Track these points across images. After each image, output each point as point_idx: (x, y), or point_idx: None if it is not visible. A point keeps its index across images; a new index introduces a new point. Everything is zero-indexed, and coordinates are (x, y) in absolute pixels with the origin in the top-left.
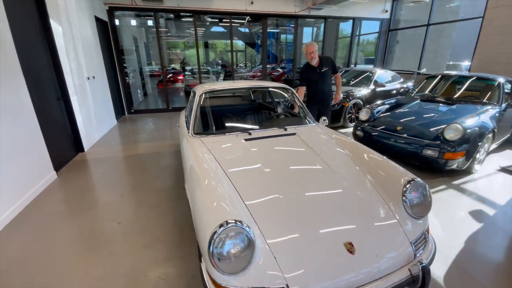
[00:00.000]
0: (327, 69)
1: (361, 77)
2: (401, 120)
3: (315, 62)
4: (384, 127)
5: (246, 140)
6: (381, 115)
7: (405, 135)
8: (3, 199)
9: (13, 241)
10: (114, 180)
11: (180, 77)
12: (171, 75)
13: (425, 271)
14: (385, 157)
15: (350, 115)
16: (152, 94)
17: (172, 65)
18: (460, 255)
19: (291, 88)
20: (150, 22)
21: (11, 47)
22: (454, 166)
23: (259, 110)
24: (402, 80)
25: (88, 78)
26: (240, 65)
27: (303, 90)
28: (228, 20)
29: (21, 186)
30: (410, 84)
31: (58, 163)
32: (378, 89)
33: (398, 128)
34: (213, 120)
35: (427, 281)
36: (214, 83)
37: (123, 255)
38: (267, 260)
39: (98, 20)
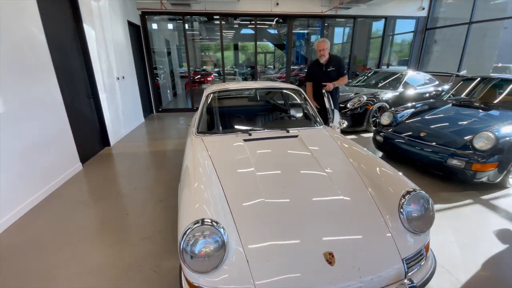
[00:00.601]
0: (334, 69)
1: (390, 79)
2: (427, 126)
3: (324, 59)
4: (406, 132)
5: (245, 140)
6: (405, 119)
7: (429, 142)
8: (31, 186)
9: (34, 223)
10: (132, 173)
11: (210, 78)
12: (199, 76)
13: None
14: (390, 166)
15: (374, 119)
16: (181, 94)
17: (204, 67)
18: (474, 280)
19: (300, 89)
20: (180, 26)
21: (44, 49)
22: (484, 179)
23: (268, 111)
24: (437, 82)
25: (118, 78)
26: (269, 66)
27: (310, 86)
28: (259, 22)
29: (48, 175)
30: (446, 87)
31: (85, 156)
32: (408, 92)
33: (422, 134)
34: (219, 120)
35: None
36: (223, 84)
37: (125, 245)
38: (239, 264)
39: (130, 24)
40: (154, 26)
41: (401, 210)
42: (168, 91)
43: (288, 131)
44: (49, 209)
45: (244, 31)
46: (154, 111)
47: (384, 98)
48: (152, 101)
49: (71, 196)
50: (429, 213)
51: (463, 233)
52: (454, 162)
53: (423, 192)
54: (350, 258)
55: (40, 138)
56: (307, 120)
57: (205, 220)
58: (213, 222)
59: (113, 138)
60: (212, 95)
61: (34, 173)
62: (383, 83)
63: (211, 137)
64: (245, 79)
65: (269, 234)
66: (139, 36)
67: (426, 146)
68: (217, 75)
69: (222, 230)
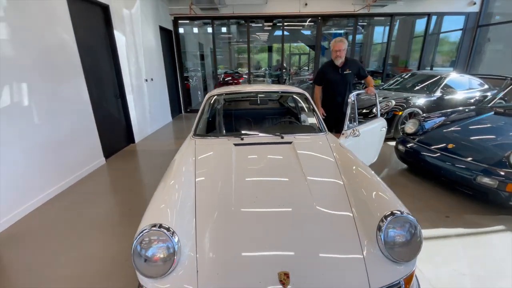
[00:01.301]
0: (350, 72)
1: (427, 82)
2: (457, 136)
3: (339, 62)
4: (432, 142)
5: (236, 145)
6: (434, 128)
7: (457, 155)
8: (57, 175)
9: (53, 208)
10: (149, 170)
11: (241, 80)
12: (230, 78)
13: None
14: (386, 185)
15: (403, 126)
16: None
17: (239, 69)
18: None
19: (305, 93)
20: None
21: (75, 54)
22: None
23: (271, 115)
24: (487, 87)
25: (146, 80)
26: (304, 68)
27: (319, 90)
28: (289, 23)
29: (73, 167)
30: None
31: (109, 151)
32: (447, 96)
33: (450, 146)
34: (219, 123)
35: None
36: (225, 87)
37: (120, 239)
38: (188, 273)
39: (162, 29)
40: (189, 30)
41: (379, 232)
42: (199, 93)
43: (282, 137)
44: (70, 197)
45: (277, 32)
46: (182, 111)
47: (416, 104)
48: (181, 101)
49: (90, 188)
50: (415, 241)
51: (482, 264)
52: (485, 180)
53: (411, 216)
54: (307, 282)
55: (67, 134)
56: (309, 127)
57: (163, 225)
58: (169, 229)
59: (138, 136)
60: (212, 98)
61: (60, 165)
62: (418, 87)
63: (204, 140)
64: (277, 82)
65: (227, 245)
66: (171, 40)
67: (453, 160)
68: (246, 76)
69: (176, 238)
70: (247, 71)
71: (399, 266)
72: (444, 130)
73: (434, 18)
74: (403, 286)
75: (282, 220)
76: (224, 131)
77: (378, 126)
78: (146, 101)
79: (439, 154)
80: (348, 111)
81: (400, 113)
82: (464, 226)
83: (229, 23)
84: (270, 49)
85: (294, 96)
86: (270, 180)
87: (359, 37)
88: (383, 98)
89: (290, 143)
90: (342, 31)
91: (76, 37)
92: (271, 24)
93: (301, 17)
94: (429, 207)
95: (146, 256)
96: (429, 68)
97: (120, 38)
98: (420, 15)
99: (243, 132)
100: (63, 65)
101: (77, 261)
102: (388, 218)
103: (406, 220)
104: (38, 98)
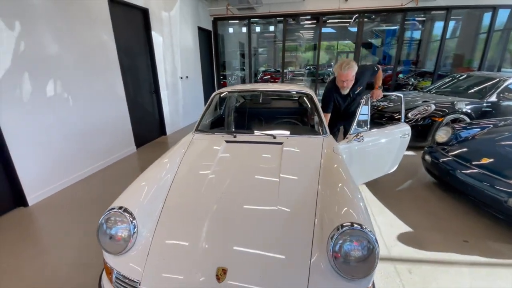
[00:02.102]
0: (362, 87)
1: (483, 85)
2: (497, 150)
3: (347, 91)
4: (464, 155)
5: (227, 142)
6: (470, 138)
7: (490, 171)
8: (93, 157)
9: (86, 185)
10: None
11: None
12: (269, 76)
13: None
14: (362, 198)
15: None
16: None
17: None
18: None
19: (310, 94)
20: (257, 29)
21: (113, 53)
22: None
23: (276, 115)
24: None
25: (181, 78)
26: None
27: (328, 117)
28: (333, 21)
29: (105, 152)
30: None
31: (140, 141)
32: (505, 103)
33: (484, 160)
34: (221, 120)
35: None
36: (233, 86)
37: None
38: (141, 255)
39: (201, 29)
40: (229, 30)
41: (331, 241)
42: None
43: (274, 138)
44: (100, 177)
45: (325, 30)
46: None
47: (463, 109)
48: None
49: (119, 171)
50: (370, 259)
51: None
52: None
53: (371, 234)
54: (242, 281)
55: (102, 123)
56: (310, 128)
57: (128, 209)
58: (132, 214)
59: (170, 129)
60: (218, 96)
61: (95, 149)
62: (471, 90)
63: (201, 135)
64: (320, 80)
65: (181, 234)
66: (210, 40)
67: (484, 176)
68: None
69: (135, 222)
70: (291, 69)
71: (347, 281)
72: (481, 142)
73: (504, 11)
74: None
75: (240, 218)
76: (225, 128)
77: (398, 132)
78: (180, 97)
79: (469, 169)
80: (358, 113)
81: (441, 119)
82: (482, 254)
83: (275, 22)
84: (315, 47)
85: (300, 96)
86: (244, 178)
87: (416, 34)
88: (422, 101)
89: (280, 143)
90: (395, 27)
91: (115, 38)
92: (314, 21)
93: (341, 14)
94: (448, 227)
95: (111, 234)
96: (496, 69)
97: (157, 39)
98: (484, 8)
99: (237, 130)
100: (102, 63)
101: (85, 236)
102: (344, 228)
103: (364, 236)
104: (79, 91)
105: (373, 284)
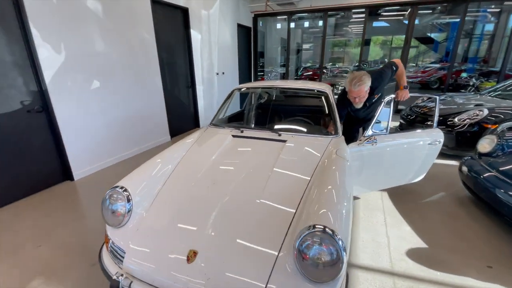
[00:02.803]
0: (380, 94)
1: None
2: None
3: (360, 105)
4: (506, 169)
5: (234, 136)
6: None
7: None
8: (129, 144)
9: (123, 166)
10: None
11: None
12: (310, 73)
13: None
14: (349, 202)
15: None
16: None
17: (331, 63)
18: None
19: (326, 92)
20: (301, 24)
21: (153, 50)
22: None
23: (296, 112)
24: None
25: (217, 74)
26: (411, 64)
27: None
28: (386, 14)
29: (141, 139)
30: None
31: (175, 131)
32: None
33: None
34: (245, 115)
35: None
36: (251, 83)
37: None
38: (133, 229)
39: (240, 26)
40: (271, 26)
41: (297, 239)
42: None
43: (279, 135)
44: (135, 161)
45: (377, 24)
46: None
47: None
48: None
49: (151, 157)
50: (334, 267)
51: None
52: None
53: (340, 241)
54: (208, 265)
55: (140, 113)
56: (320, 128)
57: (124, 187)
58: (129, 191)
59: (203, 121)
60: (236, 91)
61: (132, 136)
62: None
63: (213, 129)
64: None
65: (168, 214)
66: (250, 36)
67: None
68: (325, 71)
69: (133, 200)
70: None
71: (308, 283)
72: None
73: None
74: None
75: (222, 207)
76: (244, 123)
77: (426, 138)
78: (215, 92)
79: (507, 183)
80: (378, 114)
81: (494, 126)
82: (505, 284)
83: (325, 16)
84: (367, 42)
85: (316, 94)
86: (237, 171)
87: (489, 27)
88: (475, 105)
89: (284, 141)
90: (457, 20)
91: (156, 36)
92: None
93: (389, 6)
94: (472, 249)
95: (112, 209)
96: None
97: (195, 36)
98: None
99: (245, 126)
100: (143, 59)
101: None
102: (315, 229)
103: (333, 243)
104: (121, 84)
105: None
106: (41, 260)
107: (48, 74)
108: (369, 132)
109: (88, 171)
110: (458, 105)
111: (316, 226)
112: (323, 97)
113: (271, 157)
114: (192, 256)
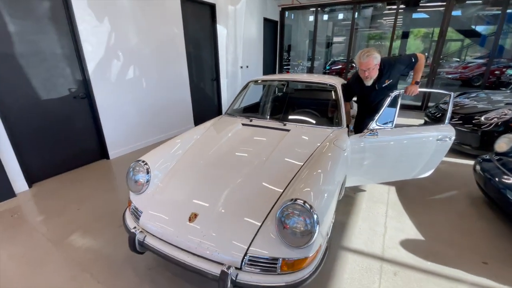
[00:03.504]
0: (391, 81)
1: None
2: None
3: (370, 82)
4: None
5: (243, 125)
6: None
7: None
8: (156, 130)
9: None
10: None
11: (352, 70)
12: (340, 67)
13: (225, 278)
14: (332, 188)
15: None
16: None
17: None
18: None
19: (335, 85)
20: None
21: (182, 44)
22: None
23: (305, 104)
24: None
25: (241, 67)
26: (453, 59)
27: (348, 105)
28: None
29: (168, 126)
30: None
31: (198, 119)
32: None
33: None
34: (259, 105)
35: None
36: (268, 76)
37: None
38: (150, 194)
39: (267, 20)
40: (298, 19)
41: (279, 209)
42: None
43: (284, 125)
44: None
45: (416, 15)
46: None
47: None
48: None
49: None
50: (307, 234)
51: None
52: None
53: (316, 215)
54: (204, 226)
55: (168, 102)
56: (325, 120)
57: (145, 161)
58: (148, 165)
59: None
60: (250, 84)
61: (160, 123)
62: None
63: (225, 118)
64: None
65: (178, 184)
66: (276, 30)
67: None
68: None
69: (151, 173)
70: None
71: (285, 247)
72: None
73: None
74: (280, 265)
75: (222, 182)
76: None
77: (435, 134)
78: (238, 85)
79: None
80: (384, 107)
81: None
82: (497, 280)
83: (359, 8)
84: (406, 35)
85: (326, 87)
86: (240, 152)
87: None
88: (506, 103)
89: (288, 130)
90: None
91: (184, 31)
92: (400, 6)
93: None
94: (471, 245)
95: (135, 179)
96: None
97: (221, 31)
98: None
99: (254, 115)
100: (171, 53)
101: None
102: (296, 202)
103: (309, 216)
104: (151, 76)
105: (320, 265)
106: (79, 220)
107: (91, 66)
108: (373, 125)
109: (121, 152)
110: (490, 103)
111: (297, 200)
112: (331, 91)
113: (272, 144)
114: (193, 217)
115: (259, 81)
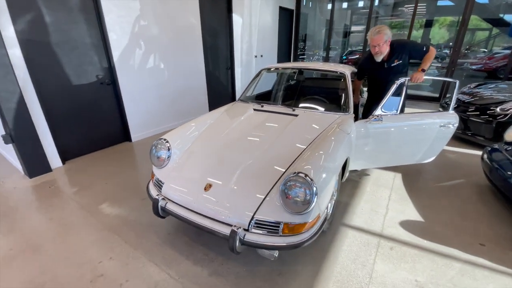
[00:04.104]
0: (400, 62)
1: None
2: None
3: (380, 58)
4: None
5: (255, 110)
6: None
7: None
8: (174, 116)
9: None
10: None
11: None
12: (357, 56)
13: (234, 236)
14: (332, 166)
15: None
16: None
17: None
18: None
19: (344, 73)
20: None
21: (198, 34)
22: None
23: (314, 92)
24: None
25: (256, 56)
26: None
27: (358, 85)
28: None
29: (185, 112)
30: None
31: (213, 106)
32: None
33: None
34: (271, 92)
35: (234, 245)
36: (280, 64)
37: None
38: (168, 170)
39: (282, 9)
40: (315, 8)
41: (284, 180)
42: None
43: (293, 110)
44: None
45: (441, 3)
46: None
47: None
48: None
49: None
50: (305, 202)
51: None
52: None
53: (315, 187)
54: (218, 193)
55: (185, 90)
56: (333, 106)
57: (168, 140)
58: (169, 143)
59: None
60: (262, 71)
61: (178, 110)
62: None
63: (238, 103)
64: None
65: (195, 161)
66: (292, 19)
67: None
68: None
69: (172, 150)
70: None
71: (287, 214)
72: None
73: None
74: (282, 228)
75: (232, 159)
76: (261, 99)
77: (437, 121)
78: (252, 73)
79: None
80: (389, 94)
81: None
82: (492, 260)
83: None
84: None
85: (336, 75)
86: (250, 135)
87: None
88: None
89: (296, 115)
90: None
91: (201, 21)
92: None
93: None
94: (473, 228)
95: (157, 155)
96: None
97: (237, 20)
98: None
99: (265, 101)
100: (188, 42)
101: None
102: (299, 175)
103: (309, 187)
104: (170, 64)
105: (318, 231)
106: (108, 192)
107: (115, 54)
108: (378, 111)
109: (142, 136)
110: (509, 93)
111: (300, 173)
112: (341, 78)
113: (280, 128)
114: (208, 187)
115: (272, 69)
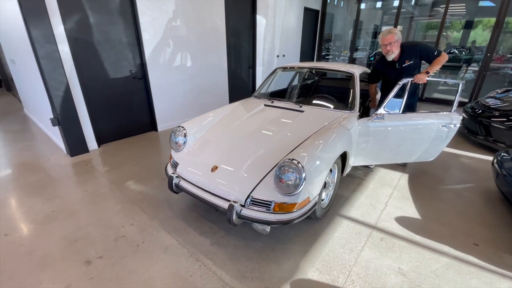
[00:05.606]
0: (411, 62)
1: None
2: None
3: (392, 57)
4: None
5: (265, 105)
6: None
7: None
8: (197, 109)
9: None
10: None
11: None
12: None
13: (231, 209)
14: (327, 156)
15: None
16: None
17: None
18: None
19: (353, 73)
20: (393, 3)
21: (223, 34)
22: None
23: (324, 90)
24: None
25: (278, 56)
26: None
27: (373, 88)
28: None
29: (208, 106)
30: None
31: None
32: None
33: None
34: (286, 90)
35: (231, 218)
36: (295, 63)
37: None
38: (183, 154)
39: (307, 9)
40: (343, 8)
41: (279, 171)
42: None
43: (300, 106)
44: None
45: (483, 3)
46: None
47: None
48: None
49: None
50: (293, 185)
51: None
52: None
53: (305, 173)
54: (221, 176)
55: (208, 86)
56: (340, 104)
57: (185, 127)
58: (186, 130)
59: None
60: (277, 70)
61: (201, 104)
62: None
63: (251, 99)
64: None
65: (207, 147)
66: (317, 19)
67: None
68: None
69: (187, 137)
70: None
71: (278, 194)
72: None
73: None
74: (273, 206)
75: (239, 147)
76: (274, 96)
77: (440, 121)
78: None
79: None
80: (392, 93)
81: None
82: (484, 259)
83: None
84: (469, 25)
85: (345, 75)
86: (257, 127)
87: None
88: None
89: (302, 111)
90: None
91: (226, 21)
92: None
93: None
94: (467, 229)
95: (175, 140)
96: None
97: (261, 21)
98: None
99: (276, 98)
100: (213, 42)
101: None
102: (293, 161)
103: (300, 173)
104: (194, 62)
105: (308, 212)
106: (133, 173)
107: (147, 51)
108: (380, 110)
109: (167, 126)
110: None
111: (293, 159)
112: (351, 78)
113: (286, 122)
114: (214, 169)
115: (288, 68)
